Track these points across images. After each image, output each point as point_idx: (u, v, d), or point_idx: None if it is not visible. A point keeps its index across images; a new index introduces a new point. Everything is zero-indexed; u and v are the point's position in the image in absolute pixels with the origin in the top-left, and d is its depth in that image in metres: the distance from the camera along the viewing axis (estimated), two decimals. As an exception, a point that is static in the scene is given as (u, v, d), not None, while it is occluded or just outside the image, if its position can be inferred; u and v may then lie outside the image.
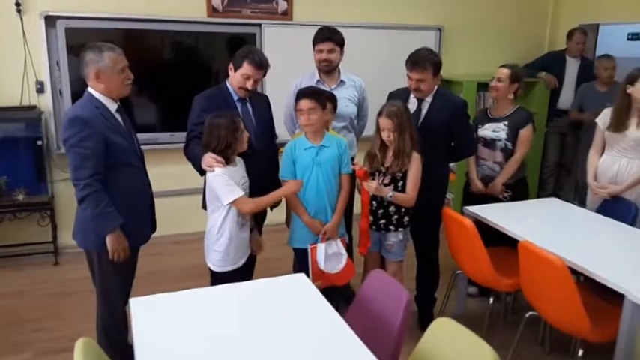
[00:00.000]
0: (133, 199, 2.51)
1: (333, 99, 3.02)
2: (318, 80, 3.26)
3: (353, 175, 2.86)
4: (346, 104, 3.21)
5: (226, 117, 2.54)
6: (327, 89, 3.16)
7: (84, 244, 2.49)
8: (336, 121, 3.11)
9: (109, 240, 2.38)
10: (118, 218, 2.37)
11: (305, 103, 2.71)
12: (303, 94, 2.78)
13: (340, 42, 3.20)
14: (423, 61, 2.91)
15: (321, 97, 2.78)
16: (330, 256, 2.82)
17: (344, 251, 2.87)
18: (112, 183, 2.37)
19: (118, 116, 2.46)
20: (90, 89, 2.40)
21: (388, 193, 2.74)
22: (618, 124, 3.18)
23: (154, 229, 2.73)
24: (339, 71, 3.31)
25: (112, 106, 2.43)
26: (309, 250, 2.80)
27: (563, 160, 5.29)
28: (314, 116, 2.71)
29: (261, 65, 2.78)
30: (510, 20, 5.35)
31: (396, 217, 2.85)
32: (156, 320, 1.92)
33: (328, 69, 3.22)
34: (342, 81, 3.29)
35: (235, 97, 2.86)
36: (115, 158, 2.38)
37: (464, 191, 3.66)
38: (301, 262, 2.87)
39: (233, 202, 2.50)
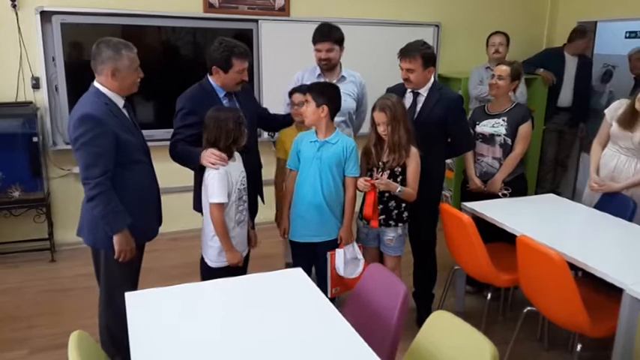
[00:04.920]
0: (143, 196, 2.49)
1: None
2: (320, 75, 3.26)
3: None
4: (345, 99, 3.17)
5: (231, 111, 2.55)
6: None
7: (92, 242, 2.46)
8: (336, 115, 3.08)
9: (116, 240, 2.35)
10: (127, 218, 2.35)
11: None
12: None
13: (339, 39, 3.19)
14: (412, 50, 2.91)
15: (315, 92, 2.76)
16: (349, 261, 2.80)
17: (361, 256, 2.84)
18: (122, 181, 2.35)
19: (125, 112, 2.45)
20: (97, 84, 2.36)
21: (397, 187, 2.73)
22: (627, 122, 3.12)
23: (159, 224, 2.71)
24: (340, 66, 3.31)
25: (120, 102, 2.41)
26: (328, 257, 2.79)
27: (560, 158, 5.28)
28: (304, 108, 2.75)
29: (248, 53, 2.77)
30: (508, 17, 5.34)
31: (395, 212, 2.83)
32: (151, 314, 1.90)
33: (328, 67, 3.23)
34: (342, 76, 3.29)
35: (221, 94, 2.81)
36: (125, 156, 2.36)
37: (462, 189, 3.64)
38: (297, 256, 2.87)
39: (215, 204, 2.49)
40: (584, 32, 4.86)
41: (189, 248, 4.12)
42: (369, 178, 2.72)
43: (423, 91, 3.02)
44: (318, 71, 3.27)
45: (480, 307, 3.31)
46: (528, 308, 2.66)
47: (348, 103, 3.23)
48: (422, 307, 3.25)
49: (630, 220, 2.96)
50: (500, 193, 3.37)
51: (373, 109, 2.78)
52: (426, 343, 1.87)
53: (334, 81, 3.21)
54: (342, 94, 3.05)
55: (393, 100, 2.76)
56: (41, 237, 4.11)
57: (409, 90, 3.05)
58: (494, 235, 2.96)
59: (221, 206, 2.50)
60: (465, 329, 1.76)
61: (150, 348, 1.69)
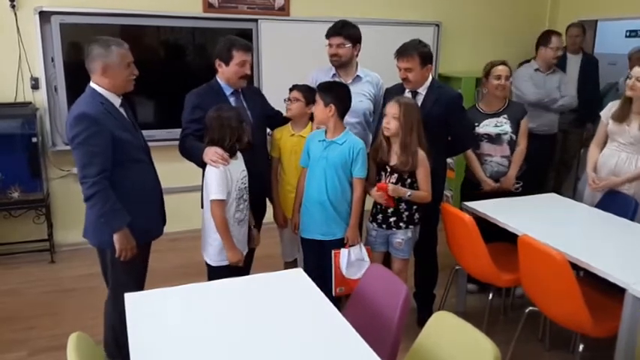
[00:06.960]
0: (144, 194, 2.49)
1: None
2: (334, 74, 3.21)
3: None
4: (360, 100, 3.14)
5: (232, 110, 2.56)
6: None
7: (97, 242, 2.46)
8: (350, 115, 2.96)
9: (116, 238, 2.35)
10: (125, 216, 2.34)
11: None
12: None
13: (352, 36, 3.14)
14: (409, 49, 2.90)
15: (322, 91, 2.76)
16: (353, 262, 2.77)
17: (367, 259, 2.80)
18: (121, 179, 2.35)
19: (122, 111, 2.45)
20: (93, 84, 2.37)
21: (407, 192, 2.72)
22: (622, 115, 3.16)
23: (163, 223, 2.71)
24: (357, 66, 3.25)
25: (116, 101, 2.42)
26: (332, 256, 2.77)
27: (565, 158, 5.26)
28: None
29: (249, 47, 2.81)
30: (509, 16, 5.34)
31: (406, 213, 2.81)
32: (151, 315, 1.89)
33: (337, 64, 3.16)
34: (358, 76, 3.22)
35: (228, 92, 2.82)
36: (123, 155, 2.36)
37: (465, 190, 3.59)
38: (306, 252, 2.92)
39: (215, 201, 2.49)
40: (569, 27, 4.86)
41: (190, 249, 4.10)
42: (380, 188, 2.72)
43: (422, 90, 3.00)
44: (333, 71, 3.22)
45: (481, 307, 3.29)
46: (530, 308, 2.66)
47: (363, 103, 3.18)
48: (423, 307, 3.24)
49: (632, 219, 2.95)
50: (513, 189, 3.39)
51: (384, 105, 2.76)
52: (428, 343, 1.86)
53: (349, 81, 3.15)
54: (356, 94, 2.99)
55: (412, 102, 2.77)
56: (41, 238, 4.09)
57: (407, 90, 3.03)
58: (495, 234, 2.95)
59: (221, 203, 2.50)
60: (467, 329, 1.75)
61: (149, 349, 1.68)
